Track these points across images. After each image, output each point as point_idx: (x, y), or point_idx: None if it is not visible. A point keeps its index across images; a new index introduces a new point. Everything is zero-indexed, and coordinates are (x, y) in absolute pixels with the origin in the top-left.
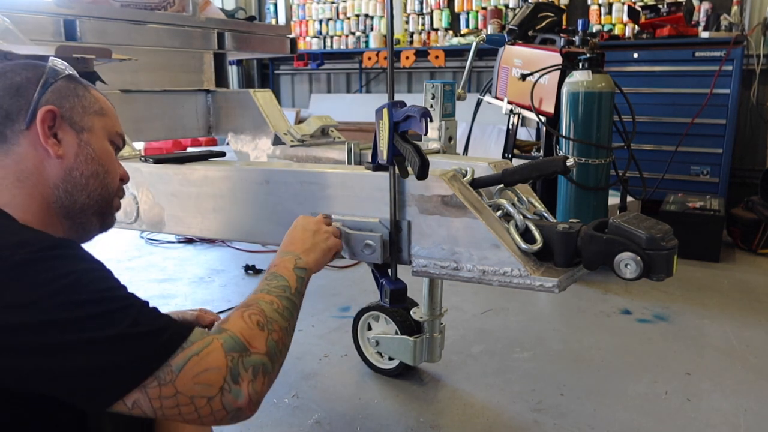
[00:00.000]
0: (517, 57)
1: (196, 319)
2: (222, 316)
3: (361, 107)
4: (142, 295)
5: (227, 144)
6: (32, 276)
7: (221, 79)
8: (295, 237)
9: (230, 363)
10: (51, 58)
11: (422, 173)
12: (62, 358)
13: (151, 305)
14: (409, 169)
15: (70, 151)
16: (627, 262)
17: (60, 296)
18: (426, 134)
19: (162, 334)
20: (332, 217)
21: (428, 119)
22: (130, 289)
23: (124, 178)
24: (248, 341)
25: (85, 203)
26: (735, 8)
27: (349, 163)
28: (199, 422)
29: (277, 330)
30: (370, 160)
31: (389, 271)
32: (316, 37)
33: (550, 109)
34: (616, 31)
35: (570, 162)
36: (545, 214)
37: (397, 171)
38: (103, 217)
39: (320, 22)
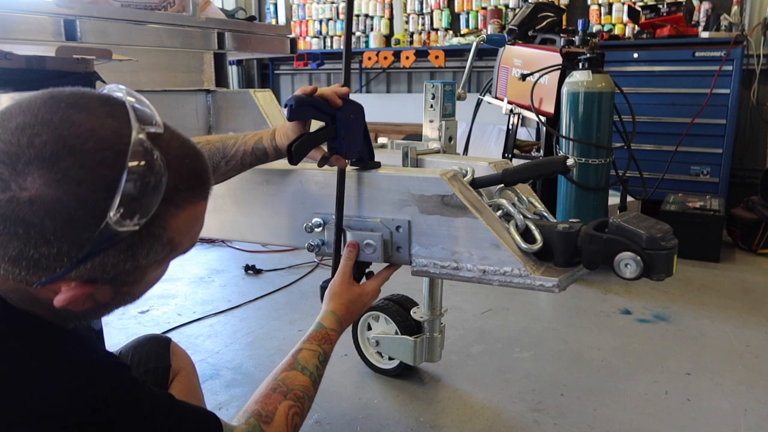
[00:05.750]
0: (517, 57)
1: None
2: (222, 317)
3: None
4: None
5: None
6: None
7: (221, 79)
8: (351, 310)
9: None
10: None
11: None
12: None
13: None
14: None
15: (90, 301)
16: (627, 262)
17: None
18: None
19: None
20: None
21: (291, 107)
22: None
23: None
24: None
25: (76, 323)
26: (735, 8)
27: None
28: None
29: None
30: None
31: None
32: (316, 37)
33: (550, 109)
34: (616, 31)
35: (570, 162)
36: (545, 214)
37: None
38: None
39: (320, 22)
